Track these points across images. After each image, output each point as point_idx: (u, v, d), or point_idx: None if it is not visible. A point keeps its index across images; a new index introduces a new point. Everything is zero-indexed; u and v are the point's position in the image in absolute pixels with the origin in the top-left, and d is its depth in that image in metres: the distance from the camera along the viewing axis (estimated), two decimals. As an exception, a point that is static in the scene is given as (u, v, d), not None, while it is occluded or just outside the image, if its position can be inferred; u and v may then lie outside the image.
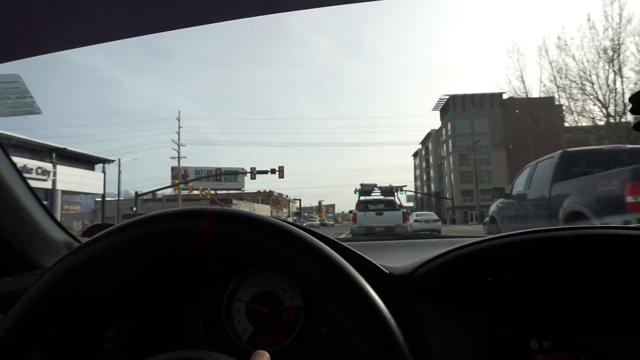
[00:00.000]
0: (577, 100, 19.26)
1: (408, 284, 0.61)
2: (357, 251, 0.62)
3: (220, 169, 24.51)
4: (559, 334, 0.55)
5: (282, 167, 22.09)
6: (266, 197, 52.95)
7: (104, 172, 18.31)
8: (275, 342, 0.66)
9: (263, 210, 40.19)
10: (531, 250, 0.59)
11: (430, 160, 62.60)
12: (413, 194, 54.53)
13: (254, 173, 22.78)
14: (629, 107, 0.59)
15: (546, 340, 0.55)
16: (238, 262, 0.70)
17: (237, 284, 0.71)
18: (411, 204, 52.36)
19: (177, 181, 29.09)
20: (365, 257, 0.62)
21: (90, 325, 0.63)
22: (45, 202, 0.82)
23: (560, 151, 5.24)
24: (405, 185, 21.03)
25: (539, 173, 5.53)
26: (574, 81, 19.04)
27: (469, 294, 0.59)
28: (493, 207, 6.93)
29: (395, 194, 15.46)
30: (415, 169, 77.19)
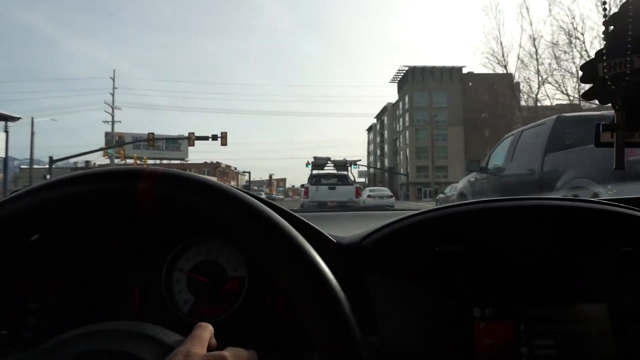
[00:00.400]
0: (551, 74, 18.88)
1: (355, 253, 0.62)
2: (306, 220, 0.62)
3: (152, 133, 21.88)
4: (501, 302, 0.58)
5: (225, 133, 20.42)
6: (213, 168, 51.20)
7: (6, 131, 16.08)
8: (218, 313, 0.66)
9: (209, 183, 39.43)
10: (478, 220, 0.62)
11: (385, 135, 63.61)
12: (365, 169, 54.94)
13: (192, 139, 20.79)
14: (580, 75, 0.63)
15: (488, 308, 0.58)
16: (178, 229, 0.68)
17: (178, 253, 0.69)
18: (363, 180, 52.48)
19: (105, 147, 26.14)
20: (314, 225, 0.63)
21: (7, 298, 0.61)
22: None
23: (554, 116, 4.35)
24: (360, 160, 20.75)
25: (525, 143, 4.97)
26: (556, 44, 18.31)
27: (416, 264, 0.61)
28: (462, 183, 6.64)
29: (349, 168, 15.63)
30: (368, 144, 78.38)
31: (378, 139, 68.87)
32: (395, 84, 54.26)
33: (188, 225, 0.72)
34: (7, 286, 0.60)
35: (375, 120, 70.38)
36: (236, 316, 0.66)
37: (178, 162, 43.51)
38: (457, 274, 0.61)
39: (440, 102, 47.24)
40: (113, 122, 30.89)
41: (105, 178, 0.37)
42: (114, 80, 30.99)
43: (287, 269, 0.35)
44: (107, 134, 32.26)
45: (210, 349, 0.38)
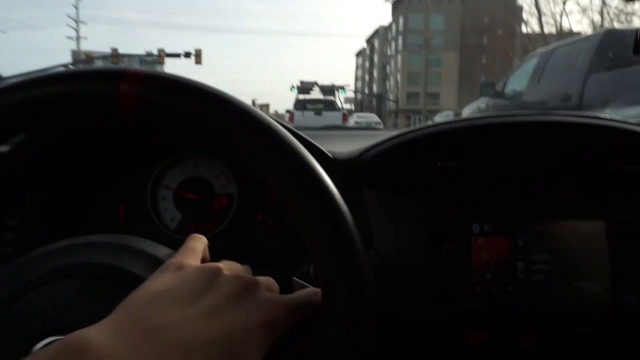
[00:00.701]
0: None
1: (354, 168, 0.62)
2: (301, 133, 0.59)
3: (116, 49, 20.07)
4: (501, 218, 0.59)
5: (200, 50, 18.77)
6: None
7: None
8: (206, 230, 0.65)
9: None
10: (480, 136, 0.62)
11: (375, 60, 62.08)
12: (351, 95, 53.39)
13: (162, 56, 19.08)
14: None
15: (487, 224, 0.59)
16: (163, 144, 0.67)
17: (163, 170, 0.68)
18: (349, 106, 51.51)
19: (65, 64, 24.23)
20: (310, 140, 0.61)
21: None
22: None
23: (602, 30, 3.61)
24: (348, 85, 20.23)
25: (559, 63, 4.17)
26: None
27: (415, 179, 0.62)
28: (470, 110, 5.84)
29: (336, 93, 15.55)
30: (357, 69, 76.48)
31: (367, 64, 67.24)
32: (390, 4, 50.77)
33: (174, 137, 0.65)
34: None
35: (365, 44, 68.02)
36: (225, 233, 0.66)
37: None
38: (456, 189, 0.61)
39: (437, 25, 45.01)
40: (78, 38, 28.23)
41: (83, 78, 0.34)
42: None
43: (287, 179, 0.33)
44: (73, 52, 29.66)
45: (203, 262, 0.37)
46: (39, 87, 0.33)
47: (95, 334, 0.25)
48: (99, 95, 0.33)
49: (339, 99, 15.31)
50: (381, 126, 18.47)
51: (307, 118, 12.32)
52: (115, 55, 19.78)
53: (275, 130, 0.33)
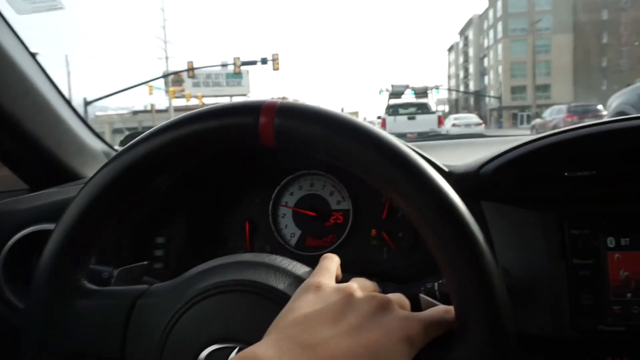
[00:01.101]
0: None
1: (472, 182, 0.64)
2: (417, 149, 0.61)
3: (191, 62, 21.26)
4: (638, 231, 0.58)
5: (277, 55, 18.76)
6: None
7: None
8: (324, 245, 0.75)
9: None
10: (613, 141, 0.59)
11: (470, 54, 59.24)
12: (445, 97, 51.25)
13: (237, 65, 19.35)
14: None
15: (624, 238, 0.58)
16: (281, 166, 0.77)
17: (282, 188, 0.78)
18: (443, 108, 49.33)
19: (170, 89, 26.90)
20: (426, 155, 0.64)
21: (139, 232, 0.75)
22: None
23: None
24: (441, 85, 19.53)
25: None
26: None
27: (540, 191, 0.62)
28: (624, 98, 4.48)
29: (430, 95, 15.36)
30: (449, 66, 73.78)
31: (461, 59, 64.53)
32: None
33: (292, 159, 0.78)
34: (139, 222, 0.76)
35: (458, 38, 65.31)
36: (342, 248, 0.74)
37: (241, 98, 44.98)
38: (587, 201, 0.60)
39: (543, 5, 41.27)
40: (167, 58, 31.38)
41: (228, 114, 0.40)
42: (163, 10, 31.09)
43: (416, 199, 0.36)
44: (164, 72, 33.25)
45: (336, 280, 0.42)
46: (189, 125, 0.40)
47: (263, 350, 0.31)
48: (241, 128, 0.39)
49: (432, 100, 15.00)
50: (482, 127, 17.13)
51: (400, 123, 12.19)
52: (190, 68, 20.48)
53: (403, 153, 0.36)
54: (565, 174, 0.59)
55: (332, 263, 0.44)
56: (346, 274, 0.45)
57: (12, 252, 0.70)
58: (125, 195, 0.43)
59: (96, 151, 0.95)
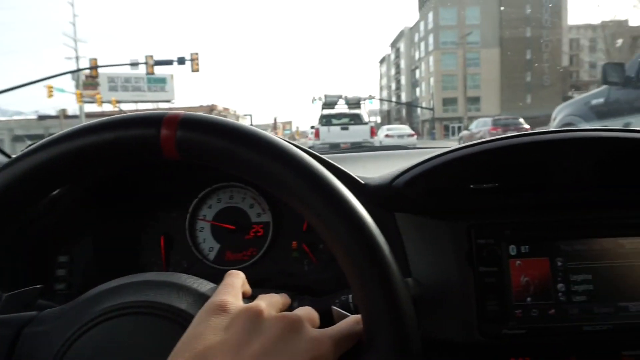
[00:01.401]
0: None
1: (386, 194, 0.68)
2: (331, 161, 0.67)
3: (95, 59, 18.72)
4: (537, 239, 0.64)
5: (196, 55, 17.59)
6: (208, 111, 50.58)
7: None
8: (244, 259, 0.76)
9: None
10: (514, 155, 0.66)
11: (402, 65, 62.04)
12: (378, 108, 53.12)
13: (150, 64, 17.39)
14: None
15: (524, 245, 0.64)
16: (198, 178, 0.78)
17: (200, 201, 0.78)
18: (376, 119, 51.13)
19: (77, 92, 25.14)
20: (339, 166, 0.68)
21: (36, 250, 0.72)
22: None
23: None
24: (374, 96, 20.64)
25: None
26: None
27: (449, 202, 0.67)
28: (570, 110, 4.67)
29: (362, 106, 16.17)
30: (381, 78, 77.01)
31: (393, 71, 67.31)
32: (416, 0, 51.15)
33: (210, 171, 0.75)
34: (37, 241, 0.72)
35: (389, 50, 68.28)
36: (262, 261, 0.75)
37: (165, 105, 42.35)
38: (492, 211, 0.66)
39: (473, 19, 44.71)
40: (78, 58, 29.32)
41: (129, 125, 0.39)
42: (72, 5, 29.19)
43: (322, 211, 0.37)
44: (74, 75, 30.89)
45: (244, 296, 0.42)
46: (87, 135, 0.39)
47: None
48: (142, 140, 0.39)
49: (365, 111, 15.66)
50: (414, 138, 17.96)
51: (333, 134, 12.76)
52: (94, 67, 18.36)
53: (305, 163, 0.38)
54: (471, 186, 0.65)
55: (236, 279, 0.43)
56: (266, 287, 0.45)
57: None
58: (13, 210, 0.40)
59: None
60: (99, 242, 0.76)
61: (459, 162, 0.67)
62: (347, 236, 0.36)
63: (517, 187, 0.66)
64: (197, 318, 0.37)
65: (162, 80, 39.54)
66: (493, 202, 0.66)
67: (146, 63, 17.77)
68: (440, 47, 45.75)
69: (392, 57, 67.84)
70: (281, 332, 0.35)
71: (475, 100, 44.49)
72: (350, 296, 0.57)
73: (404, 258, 0.65)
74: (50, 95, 18.15)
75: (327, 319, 0.42)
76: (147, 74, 17.85)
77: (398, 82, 64.57)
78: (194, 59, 17.60)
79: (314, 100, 19.48)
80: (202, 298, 0.41)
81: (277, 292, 0.44)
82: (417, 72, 53.76)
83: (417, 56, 53.71)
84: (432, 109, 42.15)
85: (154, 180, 0.79)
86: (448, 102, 46.03)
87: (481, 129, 15.34)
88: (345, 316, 0.43)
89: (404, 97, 60.07)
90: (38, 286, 0.49)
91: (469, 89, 41.71)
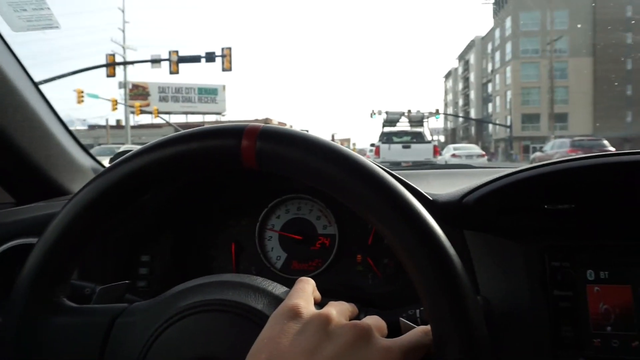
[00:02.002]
0: None
1: (454, 211, 0.73)
2: (401, 177, 0.71)
3: (113, 55, 18.85)
4: (618, 264, 0.65)
5: (229, 49, 16.34)
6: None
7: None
8: (310, 269, 0.85)
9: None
10: (592, 176, 0.68)
11: (471, 79, 60.97)
12: (441, 126, 52.30)
13: (174, 62, 16.67)
14: None
15: (603, 271, 0.65)
16: (269, 189, 0.88)
17: (269, 211, 0.89)
18: (438, 137, 50.17)
19: (135, 103, 26.64)
20: (409, 182, 0.74)
21: (123, 249, 0.86)
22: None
23: None
24: (440, 113, 21.01)
25: None
26: None
27: (521, 223, 0.70)
28: None
29: (425, 123, 16.80)
30: (446, 94, 76.35)
31: (460, 85, 66.46)
32: (490, 5, 50.36)
33: (285, 181, 0.83)
34: (124, 240, 0.86)
35: (456, 63, 67.80)
36: (327, 272, 0.83)
37: (216, 118, 43.57)
38: (567, 233, 0.68)
39: (559, 24, 42.98)
40: (125, 65, 30.87)
41: (211, 136, 0.47)
42: (123, 12, 31.05)
43: (398, 227, 0.41)
44: (121, 84, 32.50)
45: (315, 303, 0.47)
46: (173, 145, 0.47)
47: None
48: (224, 151, 0.46)
49: (428, 129, 16.27)
50: (484, 159, 17.86)
51: (394, 152, 13.28)
52: (111, 64, 17.58)
53: (382, 178, 0.43)
54: (546, 206, 0.68)
55: (307, 285, 0.48)
56: (329, 298, 0.50)
57: None
58: (108, 212, 0.49)
59: (85, 167, 1.07)
60: (176, 244, 0.89)
61: (533, 180, 0.70)
62: (419, 248, 0.40)
63: (596, 208, 0.68)
64: (272, 320, 0.42)
65: (214, 91, 40.88)
66: (569, 223, 0.68)
67: (169, 60, 16.89)
68: (520, 56, 44.38)
69: (460, 70, 67.27)
70: (352, 339, 0.39)
71: (562, 117, 42.29)
72: (418, 311, 0.61)
73: (472, 276, 0.69)
74: (80, 101, 18.75)
75: (394, 331, 0.46)
76: (171, 72, 16.92)
77: (467, 97, 63.71)
78: (225, 55, 16.45)
79: (372, 114, 19.74)
80: (276, 300, 0.47)
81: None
82: (490, 85, 52.65)
83: (489, 68, 52.70)
84: (509, 127, 40.72)
85: (227, 190, 0.90)
86: (528, 118, 44.21)
87: (557, 150, 15.15)
88: (412, 327, 0.46)
89: (473, 114, 58.83)
90: (127, 281, 0.58)
91: (555, 104, 39.94)
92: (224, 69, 16.68)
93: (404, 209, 0.41)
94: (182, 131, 0.49)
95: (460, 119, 61.47)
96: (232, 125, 0.47)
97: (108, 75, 17.56)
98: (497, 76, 49.68)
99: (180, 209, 0.90)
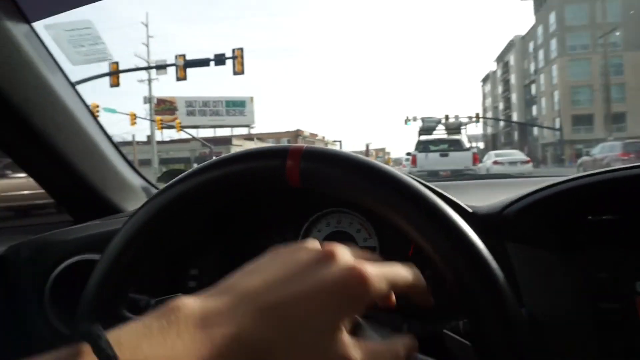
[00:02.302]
0: None
1: (495, 223, 0.75)
2: (439, 189, 0.75)
3: (116, 63, 17.77)
4: None
5: (240, 50, 16.26)
6: (293, 137, 51.53)
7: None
8: None
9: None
10: (636, 186, 0.69)
11: (512, 81, 59.62)
12: (480, 132, 51.23)
13: (180, 66, 16.54)
14: None
15: None
16: (309, 203, 0.94)
17: (310, 225, 0.95)
18: (477, 144, 48.71)
19: (157, 117, 27.30)
20: (448, 195, 0.77)
21: (174, 264, 0.94)
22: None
23: None
24: (479, 118, 20.70)
25: None
26: None
27: (565, 234, 0.71)
28: None
29: (463, 130, 16.97)
30: (484, 98, 75.32)
31: (500, 89, 65.26)
32: (531, 1, 49.22)
33: (327, 198, 0.90)
34: (174, 255, 0.94)
35: (494, 65, 66.98)
36: None
37: (245, 131, 43.76)
38: (614, 244, 0.69)
39: (611, 16, 41.60)
40: (150, 81, 31.25)
41: (258, 157, 0.53)
42: (147, 26, 31.60)
43: (437, 240, 0.45)
44: (145, 99, 32.88)
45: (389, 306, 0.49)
46: (222, 167, 0.54)
47: (189, 299, 0.38)
48: (270, 170, 0.52)
49: (466, 136, 16.35)
50: (530, 165, 17.35)
51: (432, 160, 13.25)
52: (115, 72, 17.10)
53: (421, 193, 0.47)
54: (589, 217, 0.69)
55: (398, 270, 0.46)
56: (374, 311, 0.53)
57: (58, 279, 0.89)
58: (164, 230, 0.56)
59: (135, 187, 1.19)
60: (222, 259, 0.97)
61: (576, 192, 0.72)
62: (460, 264, 0.44)
63: None
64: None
65: (242, 104, 41.17)
66: (614, 234, 0.69)
67: (176, 65, 16.75)
68: (568, 52, 43.22)
69: (499, 73, 66.30)
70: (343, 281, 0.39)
71: (619, 117, 40.44)
72: (461, 323, 0.64)
73: (516, 289, 0.70)
74: (96, 114, 18.98)
75: (438, 345, 0.50)
76: (178, 78, 16.82)
77: (507, 100, 62.56)
78: (236, 57, 16.22)
79: (407, 121, 19.74)
80: None
81: (386, 315, 0.52)
82: (533, 87, 51.57)
83: (532, 68, 51.72)
84: (559, 129, 39.54)
85: (270, 206, 0.98)
86: (580, 120, 42.85)
87: (607, 154, 14.74)
88: (458, 341, 0.50)
89: (515, 117, 57.75)
90: (179, 294, 0.65)
91: (610, 103, 38.42)
92: (235, 73, 16.40)
93: (442, 222, 0.45)
94: (231, 153, 0.55)
95: (502, 124, 60.20)
96: (277, 146, 0.53)
97: (111, 85, 17.32)
98: (542, 76, 48.56)
99: (225, 224, 0.97)
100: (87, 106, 1.07)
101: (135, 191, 1.19)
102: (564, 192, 0.72)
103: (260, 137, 46.45)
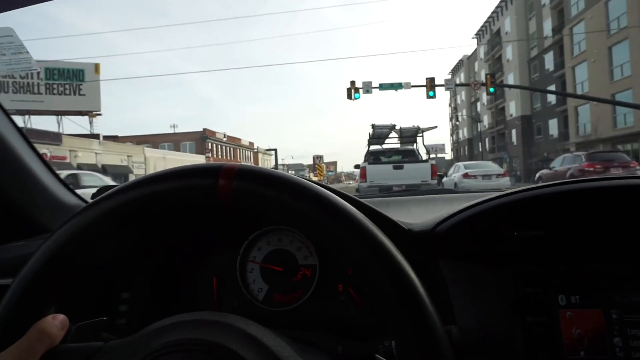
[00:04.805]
0: None
1: (429, 240, 0.78)
2: (373, 206, 0.79)
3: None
4: (589, 289, 0.70)
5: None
6: (198, 140, 45.32)
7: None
8: (291, 301, 0.90)
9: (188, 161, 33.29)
10: (562, 203, 0.74)
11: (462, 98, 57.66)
12: (441, 143, 48.17)
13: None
14: None
15: (574, 296, 0.70)
16: (249, 221, 0.94)
17: (250, 244, 0.95)
18: (443, 155, 46.58)
19: None
20: (382, 212, 0.80)
21: (103, 286, 0.91)
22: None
23: None
24: (435, 127, 17.84)
25: None
26: None
27: (494, 250, 0.75)
28: None
29: (419, 139, 14.72)
30: (450, 102, 72.52)
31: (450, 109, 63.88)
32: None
33: (262, 216, 0.90)
34: (101, 277, 0.91)
35: (462, 59, 63.21)
36: (309, 303, 0.89)
37: (85, 120, 29.69)
38: (539, 259, 0.73)
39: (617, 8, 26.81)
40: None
41: (188, 175, 0.53)
42: None
43: (361, 258, 0.47)
44: None
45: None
46: (151, 184, 0.53)
47: None
48: (201, 190, 0.52)
49: (424, 145, 14.65)
50: (507, 179, 15.44)
51: (384, 174, 11.96)
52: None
53: (347, 212, 0.50)
54: (515, 233, 0.73)
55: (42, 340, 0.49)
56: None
57: None
58: (86, 251, 0.53)
59: (67, 205, 1.11)
60: (156, 281, 0.94)
61: (504, 208, 0.76)
62: (387, 284, 0.46)
63: (566, 234, 0.73)
64: None
65: (77, 74, 25.00)
66: (540, 249, 0.73)
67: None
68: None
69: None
70: None
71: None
72: (394, 342, 0.66)
73: (448, 305, 0.74)
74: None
75: None
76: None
77: (457, 118, 60.64)
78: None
79: (351, 92, 18.02)
80: (250, 339, 0.49)
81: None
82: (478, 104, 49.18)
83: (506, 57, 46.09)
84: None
85: (207, 224, 0.96)
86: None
87: (570, 165, 13.77)
88: None
89: (465, 134, 56.59)
90: (104, 318, 0.62)
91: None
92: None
93: (368, 242, 0.47)
94: (160, 170, 0.54)
95: (485, 125, 50.99)
96: (209, 165, 0.53)
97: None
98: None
99: (159, 244, 0.95)
100: (8, 116, 1.00)
101: (66, 209, 1.12)
102: (492, 209, 0.76)
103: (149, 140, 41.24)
